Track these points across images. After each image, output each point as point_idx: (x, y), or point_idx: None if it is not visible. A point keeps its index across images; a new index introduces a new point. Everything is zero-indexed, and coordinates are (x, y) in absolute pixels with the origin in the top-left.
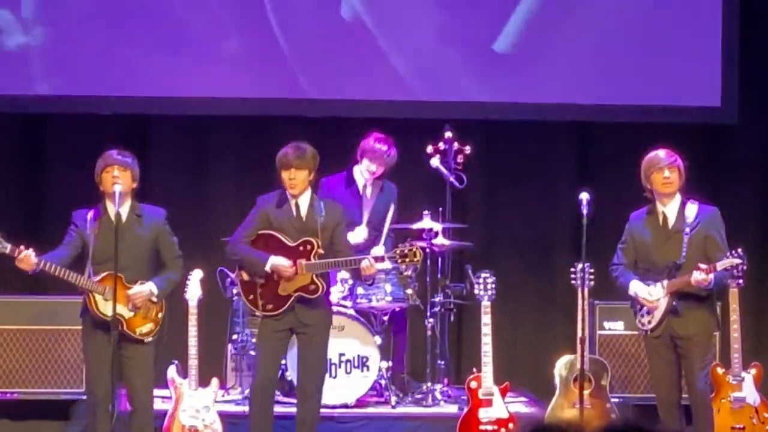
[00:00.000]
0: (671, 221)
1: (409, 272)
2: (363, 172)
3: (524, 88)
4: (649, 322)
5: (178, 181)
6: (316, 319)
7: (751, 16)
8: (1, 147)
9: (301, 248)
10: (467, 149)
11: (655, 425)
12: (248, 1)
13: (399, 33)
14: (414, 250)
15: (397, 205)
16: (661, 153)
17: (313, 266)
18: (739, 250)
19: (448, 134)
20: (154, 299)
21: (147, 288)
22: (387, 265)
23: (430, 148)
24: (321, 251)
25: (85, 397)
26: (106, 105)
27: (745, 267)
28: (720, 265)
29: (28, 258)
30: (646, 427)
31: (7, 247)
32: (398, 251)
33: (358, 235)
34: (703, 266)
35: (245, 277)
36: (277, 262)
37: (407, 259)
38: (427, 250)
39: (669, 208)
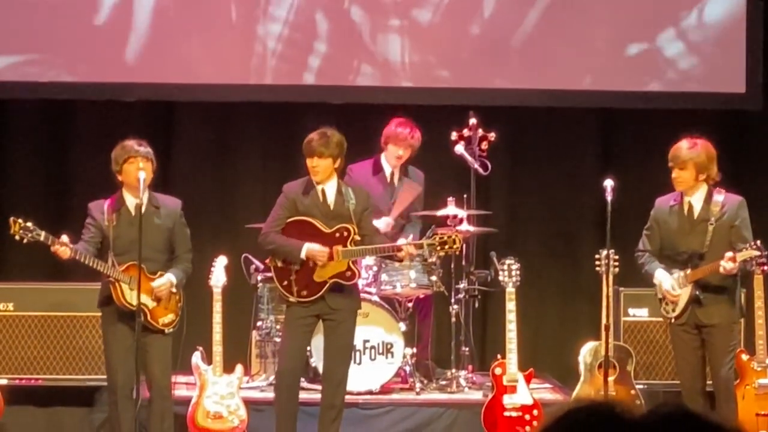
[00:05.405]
0: (696, 211)
1: (434, 258)
2: (390, 159)
3: (548, 75)
4: (673, 310)
5: (202, 167)
6: (344, 305)
7: None
8: (26, 134)
9: (337, 235)
10: (492, 136)
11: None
12: None
13: (423, 19)
14: (454, 236)
15: (423, 189)
16: (681, 148)
17: (350, 253)
18: (758, 242)
19: (473, 121)
20: (174, 290)
21: (168, 279)
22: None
23: (454, 135)
24: (357, 237)
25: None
26: (130, 92)
27: (764, 260)
28: (740, 257)
29: (64, 248)
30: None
31: (41, 234)
32: (437, 238)
33: (382, 223)
34: (729, 254)
35: (279, 263)
36: (312, 248)
37: (446, 246)
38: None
39: (695, 198)
